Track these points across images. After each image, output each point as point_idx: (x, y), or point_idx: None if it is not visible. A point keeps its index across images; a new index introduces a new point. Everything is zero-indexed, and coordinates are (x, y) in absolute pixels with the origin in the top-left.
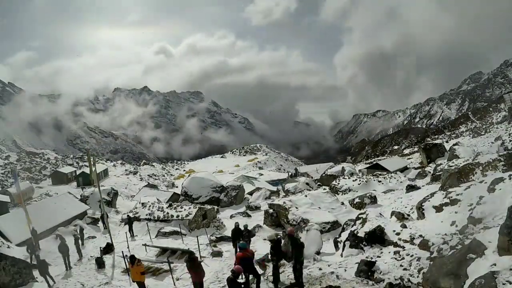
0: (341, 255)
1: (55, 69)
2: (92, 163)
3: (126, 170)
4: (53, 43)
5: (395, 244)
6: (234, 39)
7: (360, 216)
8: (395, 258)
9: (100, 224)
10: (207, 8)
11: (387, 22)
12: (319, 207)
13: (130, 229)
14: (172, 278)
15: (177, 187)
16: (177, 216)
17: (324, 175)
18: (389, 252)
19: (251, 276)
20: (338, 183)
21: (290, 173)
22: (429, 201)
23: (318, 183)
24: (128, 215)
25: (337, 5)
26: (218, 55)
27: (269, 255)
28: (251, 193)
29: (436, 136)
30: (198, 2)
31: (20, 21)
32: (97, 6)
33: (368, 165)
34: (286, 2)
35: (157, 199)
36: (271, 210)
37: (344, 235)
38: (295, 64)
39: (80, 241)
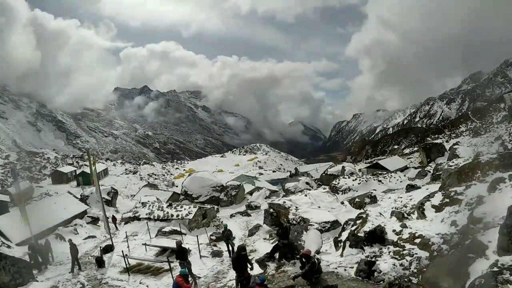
0: (341, 255)
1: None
2: (92, 162)
3: (126, 169)
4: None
5: (395, 244)
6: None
7: (360, 215)
8: (395, 258)
9: (101, 223)
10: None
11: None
12: (319, 207)
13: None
14: (172, 277)
15: (177, 186)
16: (177, 215)
17: (324, 174)
18: (389, 252)
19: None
20: (338, 183)
21: (290, 172)
22: (429, 200)
23: (318, 182)
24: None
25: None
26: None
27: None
28: (251, 193)
29: (436, 136)
30: None
31: None
32: None
33: (368, 165)
34: None
35: (157, 199)
36: (271, 210)
37: (344, 235)
38: (297, 62)
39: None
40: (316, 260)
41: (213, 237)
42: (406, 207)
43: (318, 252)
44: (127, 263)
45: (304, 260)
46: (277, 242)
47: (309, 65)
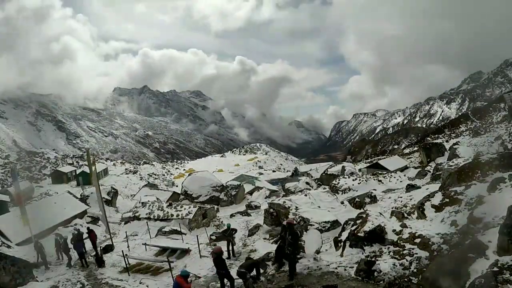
0: (341, 255)
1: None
2: (91, 162)
3: (126, 169)
4: None
5: (395, 244)
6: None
7: (360, 215)
8: (395, 258)
9: (101, 223)
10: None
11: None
12: (319, 207)
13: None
14: (172, 277)
15: (177, 186)
16: (177, 215)
17: (324, 174)
18: (389, 252)
19: None
20: (338, 183)
21: (290, 172)
22: (429, 200)
23: (318, 182)
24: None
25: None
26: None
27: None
28: (251, 193)
29: (436, 136)
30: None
31: None
32: None
33: (368, 165)
34: None
35: (157, 198)
36: (271, 210)
37: (344, 235)
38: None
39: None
40: (299, 232)
41: (213, 237)
42: (406, 207)
43: (318, 252)
44: (127, 262)
45: (286, 228)
46: (279, 244)
47: (311, 66)
